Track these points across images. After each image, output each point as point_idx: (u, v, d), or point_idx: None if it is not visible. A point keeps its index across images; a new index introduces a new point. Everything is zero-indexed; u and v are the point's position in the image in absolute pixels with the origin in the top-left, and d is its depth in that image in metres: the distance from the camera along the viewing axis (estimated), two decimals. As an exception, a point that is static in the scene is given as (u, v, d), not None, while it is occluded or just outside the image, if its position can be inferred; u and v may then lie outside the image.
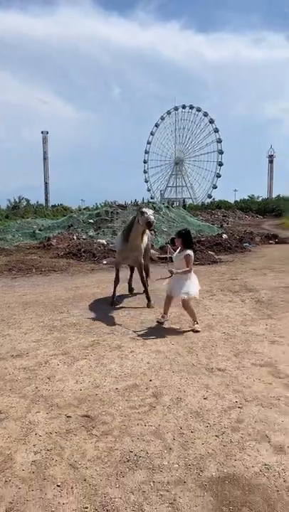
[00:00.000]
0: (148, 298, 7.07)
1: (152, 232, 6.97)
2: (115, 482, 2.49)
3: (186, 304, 5.68)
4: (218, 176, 76.63)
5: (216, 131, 74.24)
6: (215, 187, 76.72)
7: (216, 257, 13.91)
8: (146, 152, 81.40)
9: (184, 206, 47.81)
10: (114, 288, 7.27)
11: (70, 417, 3.26)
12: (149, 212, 6.49)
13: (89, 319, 6.11)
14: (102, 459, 2.72)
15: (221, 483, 2.48)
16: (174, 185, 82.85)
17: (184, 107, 76.53)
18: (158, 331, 5.57)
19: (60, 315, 6.35)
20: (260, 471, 2.58)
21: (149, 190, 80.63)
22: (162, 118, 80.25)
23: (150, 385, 3.81)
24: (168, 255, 6.12)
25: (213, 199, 66.77)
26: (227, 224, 33.99)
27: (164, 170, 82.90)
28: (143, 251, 7.24)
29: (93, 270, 11.56)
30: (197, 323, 5.67)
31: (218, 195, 72.16)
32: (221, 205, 54.75)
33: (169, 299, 5.94)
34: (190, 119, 77.14)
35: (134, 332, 5.47)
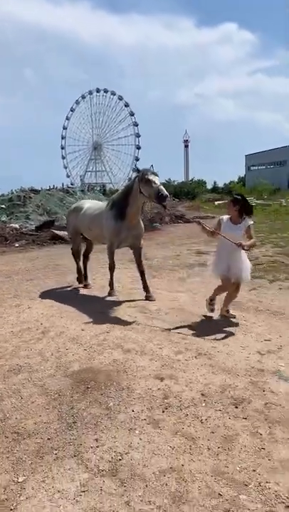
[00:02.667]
0: (148, 289, 5.93)
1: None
2: (2, 382, 3.41)
3: (238, 286, 4.81)
4: (137, 159, 78.14)
5: (132, 114, 75.33)
6: (135, 170, 78.24)
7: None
8: (63, 138, 79.78)
9: (104, 191, 48.43)
10: (112, 276, 6.17)
11: None
12: (157, 180, 5.09)
13: (-6, 289, 6.79)
14: (-7, 372, 3.61)
15: (79, 372, 3.53)
16: (94, 170, 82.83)
17: (98, 90, 76.19)
18: (53, 294, 6.47)
19: None
20: (109, 363, 3.69)
21: (68, 176, 79.50)
22: (77, 102, 79.08)
23: (40, 327, 4.74)
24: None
25: (132, 183, 68.26)
26: (144, 207, 35.72)
27: (83, 155, 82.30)
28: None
29: (4, 252, 11.99)
30: (228, 311, 4.87)
31: (137, 180, 73.76)
32: (140, 188, 56.36)
33: (226, 286, 4.77)
34: (105, 103, 77.20)
35: (38, 295, 6.30)
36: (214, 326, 4.62)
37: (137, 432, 2.68)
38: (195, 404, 3.00)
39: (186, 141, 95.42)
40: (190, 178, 69.77)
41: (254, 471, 2.30)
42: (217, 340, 4.18)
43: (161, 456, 2.44)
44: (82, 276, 6.90)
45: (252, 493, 2.14)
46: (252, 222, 4.66)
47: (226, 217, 4.74)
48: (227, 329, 4.52)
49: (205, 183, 65.20)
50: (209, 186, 63.83)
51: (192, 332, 4.43)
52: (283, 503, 2.07)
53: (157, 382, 3.33)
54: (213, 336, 4.30)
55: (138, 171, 5.34)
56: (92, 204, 6.91)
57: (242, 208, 4.58)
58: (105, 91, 76.14)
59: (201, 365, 3.62)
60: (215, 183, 63.07)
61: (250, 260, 8.57)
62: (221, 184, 60.17)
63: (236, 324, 4.68)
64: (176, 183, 64.94)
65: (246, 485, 2.20)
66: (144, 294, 5.96)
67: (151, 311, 5.25)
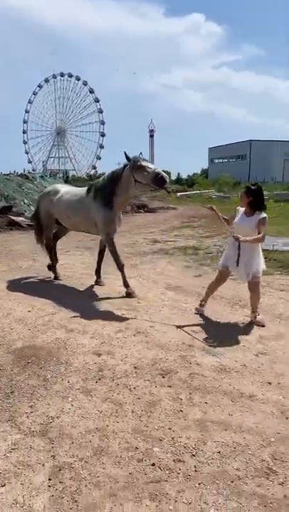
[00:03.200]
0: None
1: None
2: None
3: (256, 286, 4.41)
4: (102, 146, 77.45)
5: (97, 101, 74.32)
6: (99, 158, 77.47)
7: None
8: (25, 122, 77.44)
9: (67, 178, 47.73)
10: (118, 260, 5.66)
11: None
12: (151, 165, 4.96)
13: None
14: None
15: (22, 349, 3.72)
16: (57, 156, 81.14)
17: (62, 75, 74.37)
18: (4, 278, 6.56)
19: None
20: (51, 341, 3.90)
21: (30, 162, 77.53)
22: (40, 86, 76.88)
23: (-12, 309, 4.85)
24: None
25: (96, 171, 67.80)
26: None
27: (46, 140, 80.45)
28: None
29: None
30: (258, 314, 4.52)
31: (103, 168, 73.31)
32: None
33: (223, 279, 4.61)
34: (70, 87, 75.61)
35: None
36: (156, 309, 4.93)
37: (69, 399, 2.93)
38: (127, 375, 3.28)
39: (151, 131, 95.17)
40: (155, 168, 69.97)
41: (170, 429, 2.62)
42: (156, 320, 4.49)
43: (89, 419, 2.70)
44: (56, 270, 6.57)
45: (164, 446, 2.45)
46: (264, 216, 4.25)
47: (242, 207, 4.45)
48: (167, 311, 4.85)
49: (169, 173, 65.46)
50: (173, 177, 64.46)
51: (135, 313, 4.72)
52: (190, 452, 2.40)
53: (95, 357, 3.59)
54: (153, 317, 4.61)
55: (128, 159, 5.10)
56: (68, 189, 6.44)
57: (254, 201, 4.25)
58: (70, 75, 74.47)
59: (138, 342, 3.91)
60: (179, 174, 63.76)
61: (199, 249, 9.13)
62: (184, 176, 60.95)
63: (176, 307, 5.02)
64: (140, 172, 65.13)
65: (161, 440, 2.51)
66: (95, 278, 6.19)
67: (99, 295, 5.48)
